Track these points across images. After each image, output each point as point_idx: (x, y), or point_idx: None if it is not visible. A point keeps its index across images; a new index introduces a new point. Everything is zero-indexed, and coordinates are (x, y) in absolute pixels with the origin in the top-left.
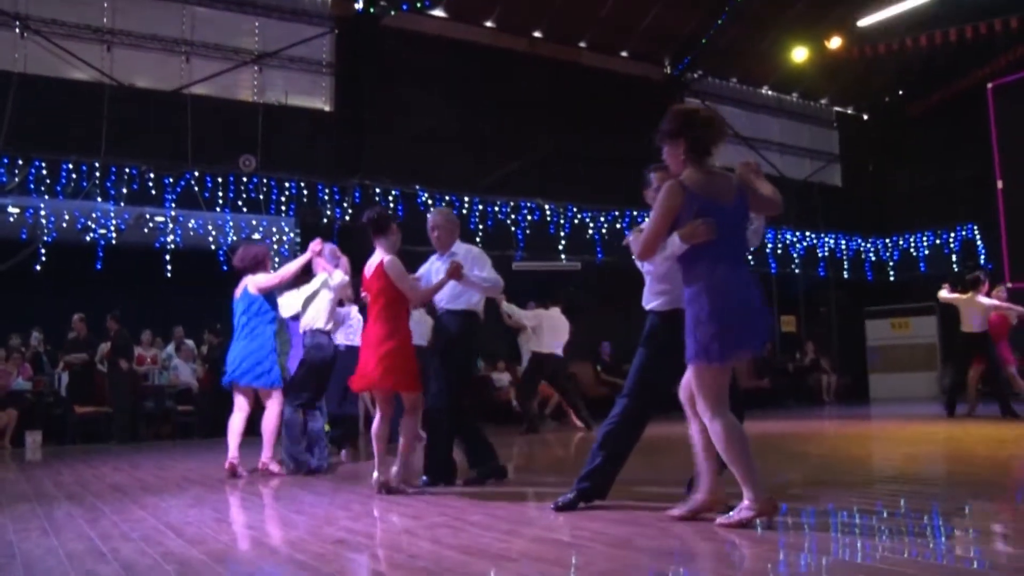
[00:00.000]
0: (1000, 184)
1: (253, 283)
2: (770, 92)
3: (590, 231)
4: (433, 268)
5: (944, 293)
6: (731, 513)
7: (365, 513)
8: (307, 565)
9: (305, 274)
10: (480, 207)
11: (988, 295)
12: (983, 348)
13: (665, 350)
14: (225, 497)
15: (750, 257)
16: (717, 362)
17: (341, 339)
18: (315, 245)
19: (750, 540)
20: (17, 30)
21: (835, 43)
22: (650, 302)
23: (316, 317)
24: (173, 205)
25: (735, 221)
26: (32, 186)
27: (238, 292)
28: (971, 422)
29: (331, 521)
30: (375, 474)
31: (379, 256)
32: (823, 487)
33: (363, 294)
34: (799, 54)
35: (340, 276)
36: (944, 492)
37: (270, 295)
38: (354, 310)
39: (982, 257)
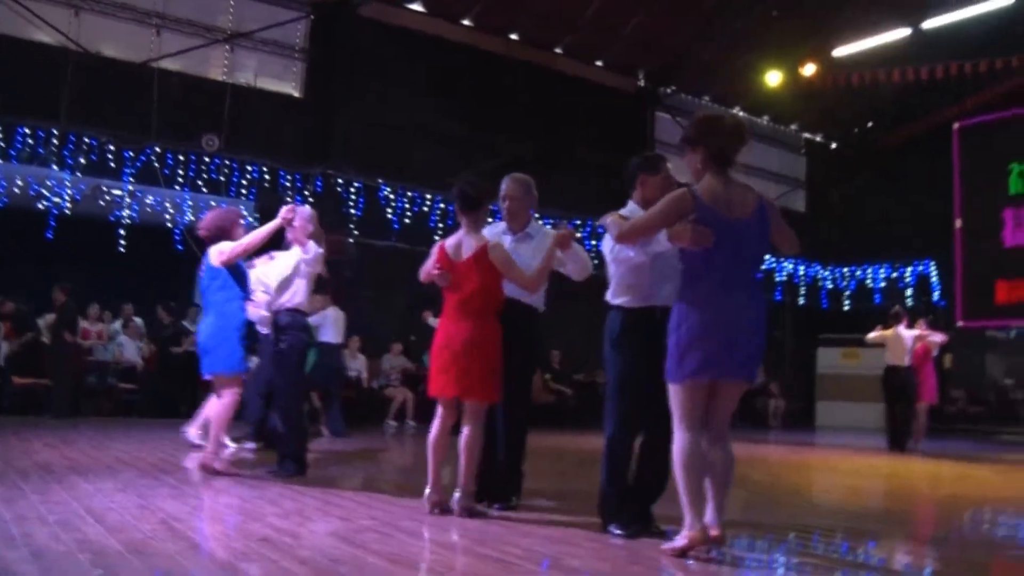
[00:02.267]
0: (958, 223)
1: (216, 252)
2: (742, 113)
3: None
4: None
5: (871, 335)
6: (674, 539)
7: (295, 511)
8: (226, 563)
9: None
10: (442, 205)
11: (909, 328)
12: (907, 381)
13: (639, 351)
14: (154, 483)
15: None
16: (673, 382)
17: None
18: (286, 212)
19: (683, 569)
20: None
21: (809, 70)
22: (618, 296)
23: (296, 293)
24: (131, 179)
25: (745, 238)
26: None
27: (204, 265)
28: (914, 458)
29: (258, 517)
30: (428, 491)
31: (473, 238)
32: (760, 515)
33: (436, 271)
34: (773, 78)
35: (315, 249)
36: (880, 530)
37: (237, 270)
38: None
39: (936, 293)
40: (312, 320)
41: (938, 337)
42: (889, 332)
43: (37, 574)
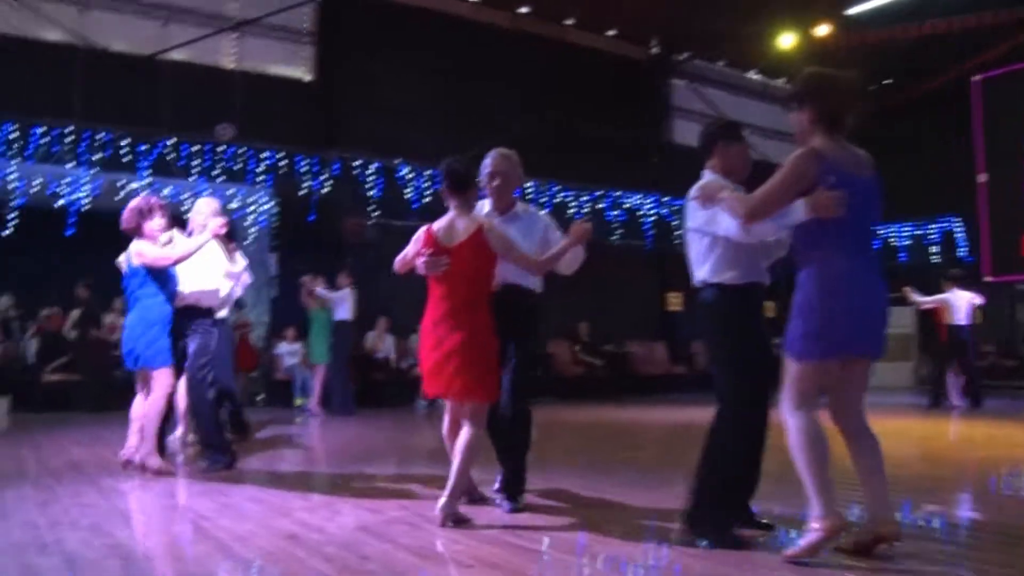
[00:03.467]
0: (982, 178)
1: (136, 253)
2: (757, 76)
3: (571, 210)
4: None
5: (924, 300)
6: (805, 535)
7: (323, 504)
8: (252, 564)
9: None
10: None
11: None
12: (967, 339)
13: (748, 332)
14: (183, 480)
15: None
16: (807, 359)
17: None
18: (220, 228)
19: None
20: None
21: (823, 30)
22: (721, 273)
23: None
24: (147, 172)
25: (866, 200)
26: (2, 148)
27: (126, 260)
28: (946, 418)
29: (286, 512)
30: (443, 500)
31: (466, 220)
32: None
33: (423, 259)
34: (786, 40)
35: (243, 262)
36: (911, 495)
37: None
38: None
39: (962, 249)
40: (336, 296)
41: (980, 299)
42: (949, 292)
43: None
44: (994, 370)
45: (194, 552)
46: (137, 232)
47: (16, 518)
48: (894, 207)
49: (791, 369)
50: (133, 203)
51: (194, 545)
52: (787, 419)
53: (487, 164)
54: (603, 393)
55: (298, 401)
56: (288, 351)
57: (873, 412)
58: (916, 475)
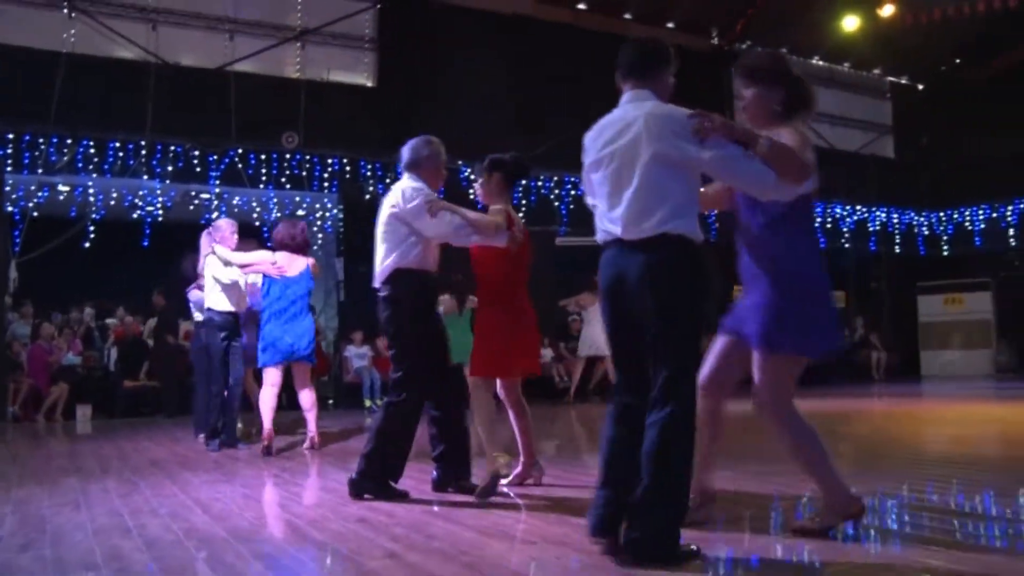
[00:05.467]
0: None
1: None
2: (821, 62)
3: None
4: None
5: None
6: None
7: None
8: (323, 544)
9: None
10: (524, 182)
11: None
12: None
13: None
14: (258, 473)
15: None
16: (812, 355)
17: None
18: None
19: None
20: (65, 10)
21: (887, 11)
22: (696, 229)
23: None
24: (218, 182)
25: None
26: (80, 164)
27: (293, 270)
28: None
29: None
30: (519, 468)
31: (511, 209)
32: (868, 470)
33: (518, 233)
34: (850, 23)
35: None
36: (994, 478)
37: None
38: None
39: None
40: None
41: None
42: None
43: (149, 560)
44: None
45: (267, 534)
46: (298, 251)
47: (100, 508)
48: (968, 190)
49: (777, 367)
50: (303, 225)
51: (268, 528)
52: (787, 419)
53: (441, 152)
54: None
55: (367, 403)
56: (356, 354)
57: (947, 399)
58: (1000, 457)
